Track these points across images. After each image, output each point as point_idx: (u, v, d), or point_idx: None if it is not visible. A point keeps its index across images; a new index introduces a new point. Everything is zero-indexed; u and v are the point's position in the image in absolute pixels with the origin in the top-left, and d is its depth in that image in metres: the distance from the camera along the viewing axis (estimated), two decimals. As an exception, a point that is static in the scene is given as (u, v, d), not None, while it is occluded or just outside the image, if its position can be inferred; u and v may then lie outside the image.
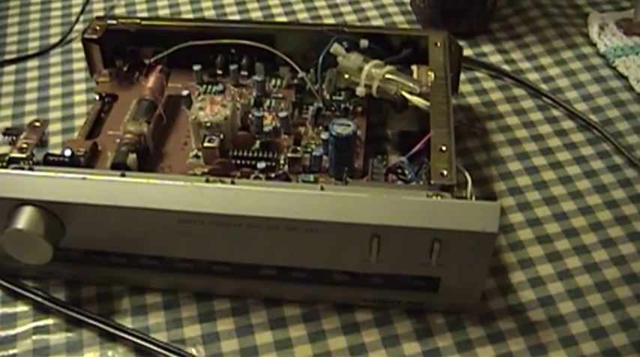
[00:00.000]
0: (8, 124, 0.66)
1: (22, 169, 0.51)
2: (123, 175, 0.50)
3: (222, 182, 0.49)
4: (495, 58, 0.72)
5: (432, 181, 0.50)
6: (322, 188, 0.49)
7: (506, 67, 0.71)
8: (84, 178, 0.49)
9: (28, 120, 0.66)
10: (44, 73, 0.72)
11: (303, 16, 0.77)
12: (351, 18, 0.77)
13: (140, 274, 0.54)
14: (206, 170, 0.55)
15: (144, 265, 0.53)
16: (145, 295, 0.54)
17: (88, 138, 0.60)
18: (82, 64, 0.71)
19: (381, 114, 0.62)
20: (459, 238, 0.47)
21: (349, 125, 0.54)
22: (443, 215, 0.47)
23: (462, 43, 0.63)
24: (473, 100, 0.68)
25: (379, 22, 0.76)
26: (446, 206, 0.48)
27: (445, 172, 0.50)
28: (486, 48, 0.73)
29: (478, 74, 0.70)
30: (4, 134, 0.62)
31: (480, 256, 0.49)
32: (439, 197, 0.48)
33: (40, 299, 0.53)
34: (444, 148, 0.51)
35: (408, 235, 0.47)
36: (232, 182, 0.49)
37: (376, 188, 0.50)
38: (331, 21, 0.76)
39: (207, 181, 0.49)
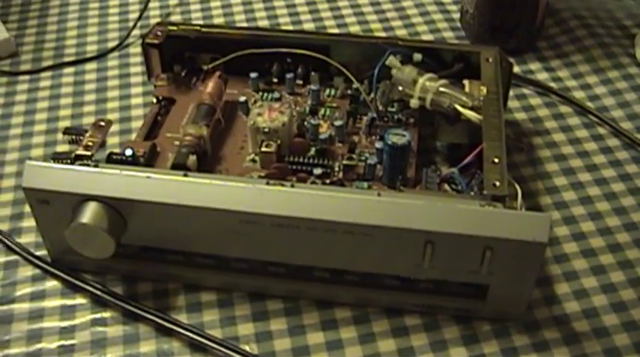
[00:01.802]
0: (67, 123, 0.68)
1: (88, 165, 0.53)
2: (185, 175, 0.51)
3: (283, 185, 0.50)
4: (542, 76, 0.73)
5: (484, 192, 0.51)
6: (379, 194, 0.50)
7: (552, 85, 0.72)
8: (148, 177, 0.51)
9: (86, 121, 0.68)
10: (102, 76, 0.74)
11: (354, 29, 0.79)
12: (401, 32, 0.78)
13: (196, 273, 0.56)
14: (263, 174, 0.57)
15: (200, 264, 0.55)
16: (199, 292, 0.56)
17: (145, 139, 0.61)
18: (139, 68, 0.73)
19: (431, 126, 0.63)
20: (509, 247, 0.48)
21: (404, 135, 0.55)
22: (495, 224, 0.48)
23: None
24: (520, 116, 0.69)
25: (429, 38, 0.78)
26: (498, 216, 0.49)
27: (497, 183, 0.51)
28: (534, 66, 0.75)
29: (525, 91, 0.72)
30: (65, 133, 0.64)
31: (529, 265, 0.50)
32: (492, 207, 0.50)
33: (98, 292, 0.55)
34: (496, 160, 0.53)
35: (461, 243, 0.49)
36: (292, 185, 0.50)
37: (431, 196, 0.52)
38: (382, 35, 0.78)
39: (267, 183, 0.51)
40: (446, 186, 0.56)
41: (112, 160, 0.56)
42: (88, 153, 0.55)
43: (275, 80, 0.66)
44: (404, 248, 0.50)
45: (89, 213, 0.50)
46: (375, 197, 0.50)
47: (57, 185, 0.51)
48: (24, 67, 0.75)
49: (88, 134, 0.57)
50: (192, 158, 0.56)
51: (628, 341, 0.53)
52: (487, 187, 0.51)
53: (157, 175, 0.51)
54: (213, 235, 0.52)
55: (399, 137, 0.55)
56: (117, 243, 0.51)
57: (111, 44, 0.77)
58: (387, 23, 0.79)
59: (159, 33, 0.65)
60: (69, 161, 0.54)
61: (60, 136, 0.67)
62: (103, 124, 0.58)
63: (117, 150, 0.58)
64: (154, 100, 0.65)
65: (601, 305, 0.55)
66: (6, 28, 0.77)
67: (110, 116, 0.69)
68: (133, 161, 0.57)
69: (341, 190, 0.51)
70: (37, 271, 0.57)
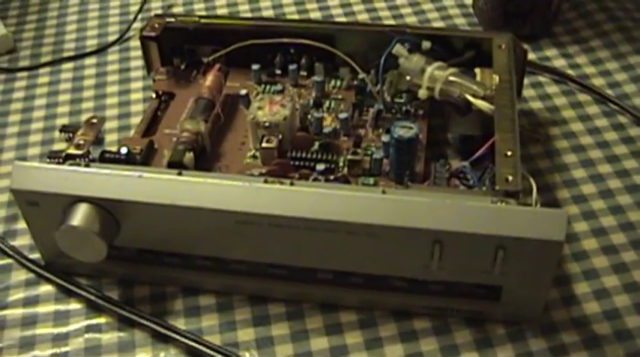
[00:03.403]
0: (65, 121, 0.66)
1: (78, 165, 0.50)
2: (180, 174, 0.49)
3: (281, 183, 0.48)
4: (559, 63, 0.70)
5: (496, 187, 0.48)
6: (384, 192, 0.47)
7: (570, 72, 0.69)
8: (140, 176, 0.48)
9: (85, 117, 0.65)
10: (101, 71, 0.71)
11: (363, 17, 0.76)
12: (411, 20, 0.75)
13: (194, 275, 0.53)
14: (264, 171, 0.54)
15: (198, 266, 0.53)
16: (198, 296, 0.53)
17: (144, 136, 0.59)
18: (139, 63, 0.71)
19: (442, 117, 0.61)
20: (524, 246, 0.46)
21: (412, 128, 0.53)
22: (508, 222, 0.45)
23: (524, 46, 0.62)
24: (536, 105, 0.66)
25: (440, 25, 0.75)
26: (511, 213, 0.46)
27: (510, 178, 0.48)
28: (550, 52, 0.71)
29: (541, 79, 0.69)
30: (61, 131, 0.62)
31: (545, 265, 0.47)
32: (504, 203, 0.47)
33: (93, 297, 0.53)
34: (509, 153, 0.50)
35: (471, 242, 0.46)
36: (291, 183, 0.48)
37: (439, 193, 0.49)
38: (391, 23, 0.75)
39: (265, 181, 0.48)
40: (456, 181, 0.53)
41: (105, 158, 0.54)
42: (79, 152, 0.53)
43: (278, 72, 0.64)
44: (411, 249, 0.47)
45: (79, 215, 0.48)
46: (379, 195, 0.47)
47: (46, 186, 0.49)
48: (22, 64, 0.73)
49: (79, 132, 0.54)
50: (189, 155, 0.54)
51: (653, 344, 0.50)
52: (499, 182, 0.48)
53: (149, 174, 0.48)
54: (210, 237, 0.49)
55: (406, 130, 0.53)
56: (109, 246, 0.49)
57: (111, 38, 0.75)
58: (397, 11, 0.76)
59: (156, 25, 0.63)
60: (59, 161, 0.52)
61: (57, 133, 0.64)
62: (95, 121, 0.56)
63: (115, 148, 0.56)
64: (154, 95, 0.63)
65: (623, 306, 0.52)
66: (4, 24, 0.75)
67: (109, 112, 0.67)
68: (128, 160, 0.54)
69: (343, 188, 0.48)
70: (31, 275, 0.55)
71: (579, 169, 0.61)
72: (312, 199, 0.47)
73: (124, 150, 0.55)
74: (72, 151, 0.53)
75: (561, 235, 0.45)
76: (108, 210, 0.48)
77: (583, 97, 0.67)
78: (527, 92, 0.67)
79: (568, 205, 0.58)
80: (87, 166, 0.50)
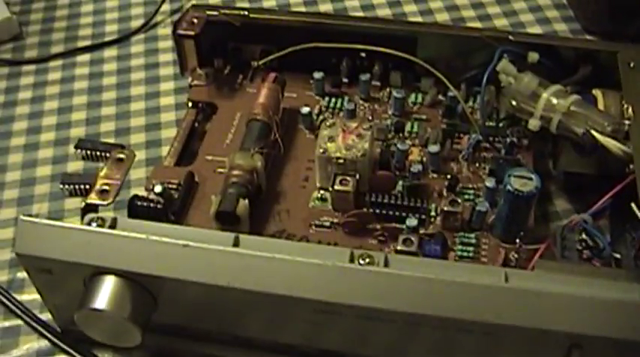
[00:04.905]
0: (81, 131, 0.56)
1: (102, 225, 0.39)
2: (236, 244, 0.38)
3: (372, 263, 0.36)
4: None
5: (650, 270, 0.37)
6: (507, 279, 0.36)
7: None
8: (186, 246, 0.37)
9: (104, 128, 0.55)
10: (124, 66, 0.61)
11: (442, 18, 0.63)
12: (500, 23, 0.62)
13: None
14: (336, 220, 0.44)
15: (255, 345, 0.41)
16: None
17: (179, 159, 0.49)
18: (171, 56, 0.60)
19: (544, 144, 0.49)
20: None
21: (531, 178, 0.41)
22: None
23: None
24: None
25: (536, 30, 0.62)
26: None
27: (668, 258, 0.37)
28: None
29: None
30: (77, 148, 0.51)
31: None
32: (663, 296, 0.36)
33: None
34: (662, 219, 0.39)
35: (621, 349, 0.35)
36: (385, 263, 0.36)
37: (574, 278, 0.37)
38: (477, 25, 0.62)
39: (351, 259, 0.37)
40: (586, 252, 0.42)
41: (136, 208, 0.43)
42: (104, 201, 0.41)
43: (345, 80, 0.52)
44: (538, 352, 0.36)
45: (105, 293, 0.37)
46: (501, 284, 0.36)
47: (61, 253, 0.38)
48: (29, 54, 0.62)
49: (102, 173, 0.43)
50: (243, 203, 0.43)
51: None
52: (655, 264, 0.37)
53: (197, 244, 0.37)
54: (276, 323, 0.39)
55: (524, 182, 0.41)
56: (144, 330, 0.38)
57: (135, 24, 0.64)
58: (483, 9, 0.63)
59: (194, 20, 0.51)
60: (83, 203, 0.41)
61: (72, 149, 0.53)
62: (122, 156, 0.44)
63: (142, 172, 0.45)
64: (189, 104, 0.52)
65: None
66: (7, 5, 0.63)
67: (134, 122, 0.56)
68: (165, 207, 0.43)
69: (451, 268, 0.37)
70: (44, 343, 0.44)
71: None
72: (414, 287, 0.36)
73: (158, 188, 0.44)
74: (94, 199, 0.41)
75: None
76: (143, 285, 0.38)
77: None
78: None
79: None
80: (113, 226, 0.39)
